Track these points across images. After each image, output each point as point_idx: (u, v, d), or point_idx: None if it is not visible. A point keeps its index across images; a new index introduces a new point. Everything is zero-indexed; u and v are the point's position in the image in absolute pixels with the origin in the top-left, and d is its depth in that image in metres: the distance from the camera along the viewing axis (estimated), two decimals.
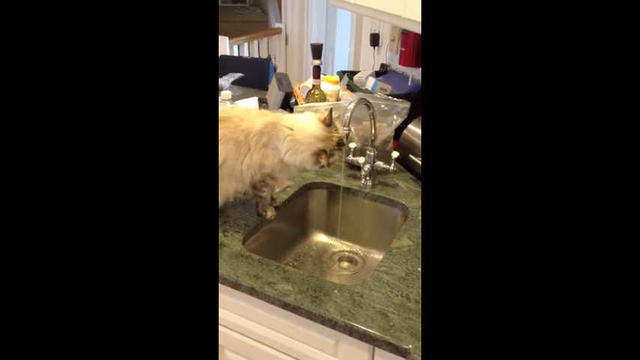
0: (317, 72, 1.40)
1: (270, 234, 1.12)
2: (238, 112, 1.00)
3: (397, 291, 0.85)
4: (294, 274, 0.88)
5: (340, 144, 0.97)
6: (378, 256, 1.22)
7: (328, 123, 0.95)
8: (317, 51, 1.37)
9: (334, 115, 0.98)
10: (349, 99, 1.20)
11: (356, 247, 1.27)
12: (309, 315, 0.81)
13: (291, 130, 0.94)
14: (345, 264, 1.24)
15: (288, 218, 1.20)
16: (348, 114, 1.03)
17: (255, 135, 0.95)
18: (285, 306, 0.83)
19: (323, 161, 0.94)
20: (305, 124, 0.95)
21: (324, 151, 0.94)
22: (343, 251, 1.26)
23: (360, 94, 1.22)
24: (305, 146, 0.93)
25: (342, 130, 0.98)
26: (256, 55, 3.29)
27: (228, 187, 1.00)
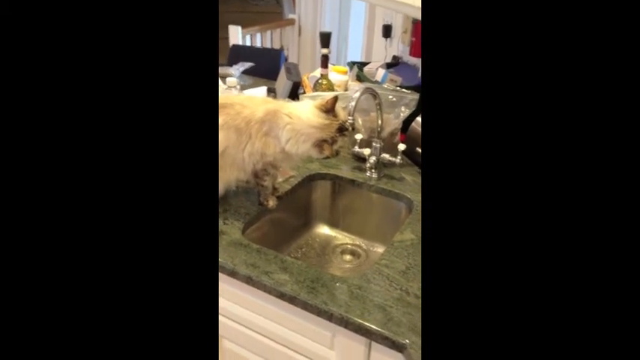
0: (325, 61, 1.38)
1: (271, 224, 1.11)
2: (241, 100, 0.98)
3: (397, 285, 0.83)
4: (292, 264, 0.87)
5: (342, 129, 0.94)
6: (381, 249, 1.20)
7: (327, 109, 0.93)
8: (325, 39, 1.35)
9: (341, 104, 0.95)
10: (356, 88, 1.18)
11: (359, 240, 1.25)
12: (305, 306, 0.79)
13: (290, 118, 0.92)
14: (348, 257, 1.22)
15: (290, 209, 1.19)
16: (353, 103, 1.00)
17: (257, 123, 0.94)
18: (282, 296, 0.82)
19: (327, 152, 0.92)
20: (301, 113, 0.93)
21: (325, 141, 0.92)
22: (346, 244, 1.25)
23: (367, 84, 1.20)
24: (305, 136, 0.91)
25: (343, 115, 0.95)
26: (269, 46, 3.27)
27: (229, 176, 0.99)
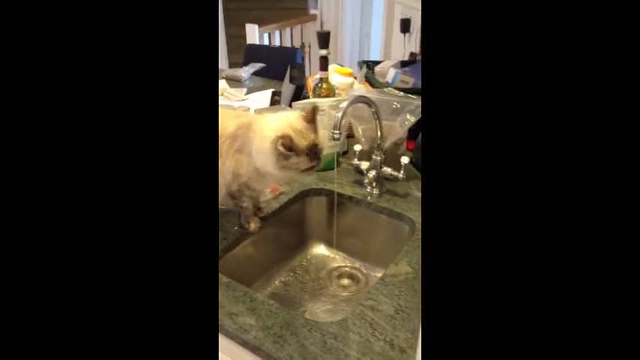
0: (324, 63, 1.25)
1: (256, 247, 1.00)
2: None
3: (380, 334, 0.70)
4: (261, 305, 0.76)
5: (312, 149, 0.79)
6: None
7: (308, 121, 0.80)
8: (324, 39, 1.22)
9: (339, 114, 0.83)
10: (353, 95, 1.04)
11: (358, 263, 1.12)
12: (269, 358, 0.68)
13: (260, 128, 0.80)
14: (346, 281, 1.09)
15: (281, 228, 1.07)
16: (340, 114, 0.87)
17: (228, 139, 0.83)
18: (244, 344, 0.70)
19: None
20: (274, 117, 0.80)
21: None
22: (344, 267, 1.12)
23: (358, 91, 1.06)
24: (267, 139, 0.77)
25: (320, 135, 0.82)
26: (290, 44, 3.16)
27: None
